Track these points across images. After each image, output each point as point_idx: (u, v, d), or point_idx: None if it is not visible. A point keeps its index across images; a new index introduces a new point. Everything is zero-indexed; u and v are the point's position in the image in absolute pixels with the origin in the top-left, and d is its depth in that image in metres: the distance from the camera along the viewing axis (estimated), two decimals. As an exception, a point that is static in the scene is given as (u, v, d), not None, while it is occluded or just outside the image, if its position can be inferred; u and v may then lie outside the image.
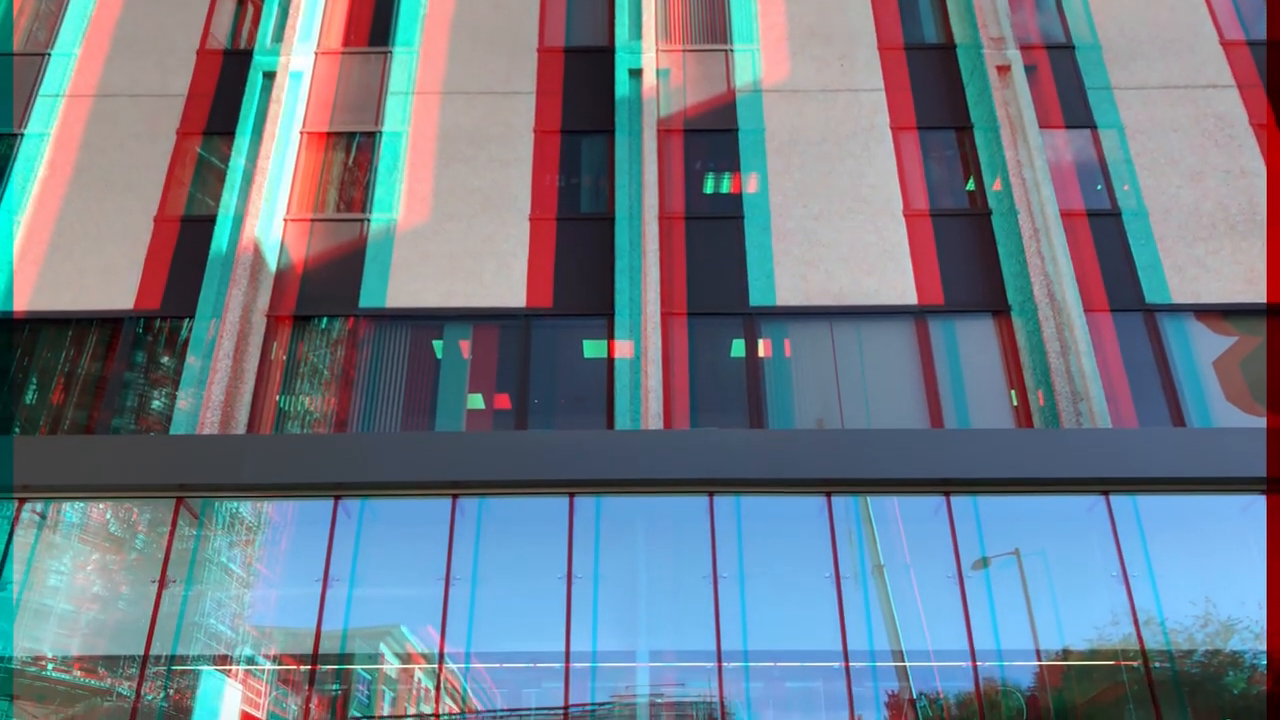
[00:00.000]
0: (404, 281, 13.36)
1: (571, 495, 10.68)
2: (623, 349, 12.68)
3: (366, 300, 13.23)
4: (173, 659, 10.01)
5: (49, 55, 15.58)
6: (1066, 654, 10.09)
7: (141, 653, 9.93)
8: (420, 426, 12.37)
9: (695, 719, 9.88)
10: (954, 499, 10.61)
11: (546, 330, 13.04)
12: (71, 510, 10.81)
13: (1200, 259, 13.21)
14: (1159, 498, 10.56)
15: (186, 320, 13.09)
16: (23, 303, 13.16)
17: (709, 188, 14.27)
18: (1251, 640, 9.90)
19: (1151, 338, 12.75)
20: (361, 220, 13.92)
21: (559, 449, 10.68)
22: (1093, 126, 14.52)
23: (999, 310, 13.09)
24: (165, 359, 12.85)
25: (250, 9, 16.23)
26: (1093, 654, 10.03)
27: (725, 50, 15.46)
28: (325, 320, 13.17)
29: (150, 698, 9.77)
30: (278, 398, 12.64)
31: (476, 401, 12.61)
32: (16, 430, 12.34)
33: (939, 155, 14.49)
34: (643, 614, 10.34)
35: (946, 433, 10.82)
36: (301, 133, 14.79)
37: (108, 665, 9.99)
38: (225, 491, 10.73)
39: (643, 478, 10.54)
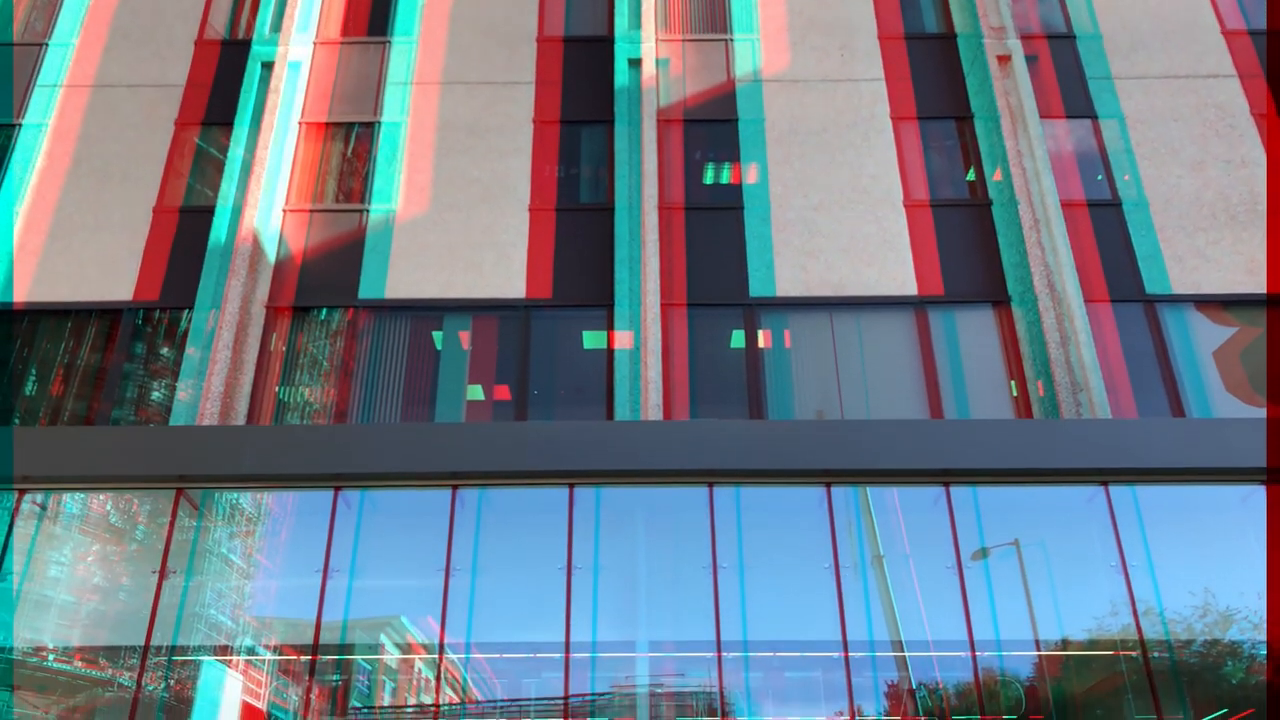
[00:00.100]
0: (403, 272, 13.34)
1: (571, 486, 10.69)
2: (622, 340, 12.67)
3: (366, 291, 13.21)
4: (173, 649, 10.03)
5: (46, 45, 15.53)
6: (1065, 644, 10.11)
7: (142, 643, 9.95)
8: (420, 417, 12.37)
9: (695, 709, 9.90)
10: (953, 489, 10.62)
11: (546, 321, 13.03)
12: (72, 501, 10.82)
13: (1201, 249, 13.19)
14: (1158, 488, 10.57)
15: (185, 311, 13.08)
16: (21, 294, 13.15)
17: (709, 178, 14.24)
18: (1250, 630, 9.92)
19: (1151, 328, 12.74)
20: (360, 211, 13.90)
21: (559, 440, 10.68)
22: (1093, 116, 14.49)
23: (999, 301, 13.08)
24: (164, 350, 12.85)
25: (248, -1, 16.18)
26: (1092, 644, 10.05)
27: (725, 40, 15.42)
28: (324, 311, 13.15)
29: (151, 688, 9.79)
30: (277, 389, 12.64)
31: (476, 392, 12.60)
32: (16, 421, 12.34)
33: (939, 145, 14.46)
34: (642, 604, 10.35)
35: (946, 423, 10.82)
36: (300, 123, 14.75)
37: (109, 656, 10.01)
38: (225, 482, 10.74)
39: (642, 468, 10.55)
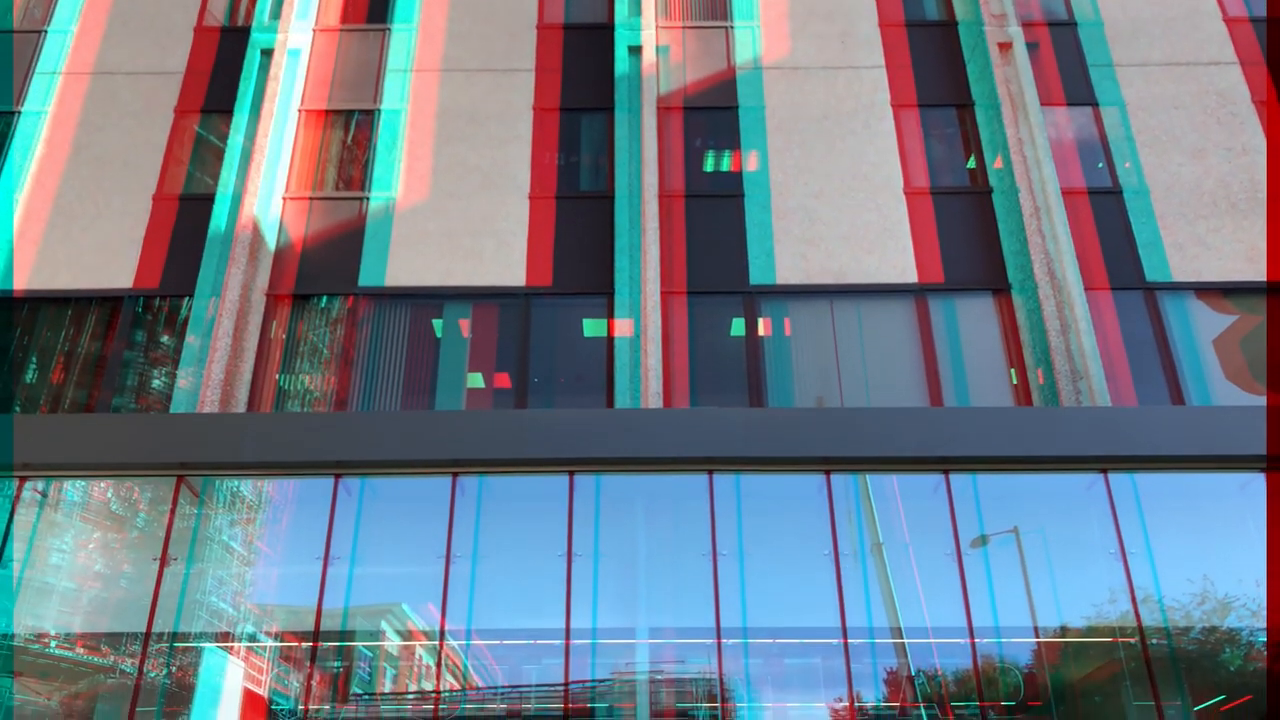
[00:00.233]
0: (403, 260, 13.33)
1: (571, 473, 10.71)
2: (622, 328, 12.67)
3: (366, 279, 13.21)
4: (175, 636, 10.06)
5: (46, 32, 15.49)
6: (1064, 631, 10.14)
7: (144, 630, 9.98)
8: (420, 405, 12.38)
9: (695, 695, 9.94)
10: (953, 477, 10.64)
11: (546, 309, 13.03)
12: (73, 489, 10.84)
13: (1201, 237, 13.18)
14: (1158, 475, 10.59)
15: (186, 299, 13.08)
16: (21, 281, 13.15)
17: (709, 166, 14.22)
18: (1248, 617, 9.94)
19: (1152, 316, 12.74)
20: (360, 199, 13.89)
21: (559, 427, 10.69)
22: (1094, 104, 14.46)
23: (999, 288, 13.07)
24: (165, 338, 12.85)
25: (247, -15, 16.13)
26: (1090, 631, 10.08)
27: (725, 27, 15.38)
28: (325, 299, 13.15)
29: (153, 675, 9.83)
30: (278, 376, 12.65)
31: (476, 380, 12.61)
32: (17, 409, 12.35)
33: (940, 133, 14.43)
34: (642, 591, 10.38)
35: (946, 411, 10.83)
36: (300, 110, 14.72)
37: (110, 642, 10.05)
38: (226, 470, 10.76)
39: (642, 456, 10.56)
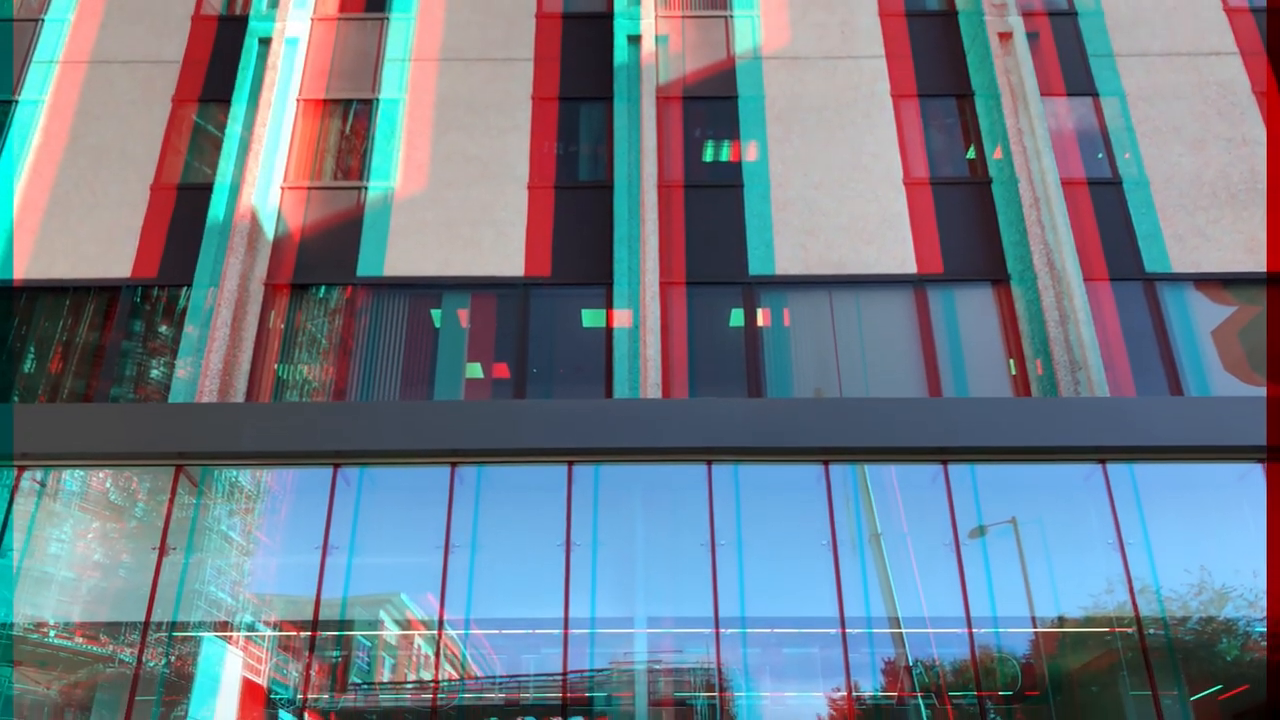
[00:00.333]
0: (402, 250, 13.32)
1: (570, 463, 10.71)
2: (621, 318, 12.66)
3: (364, 269, 13.19)
4: (174, 625, 10.08)
5: (43, 20, 15.44)
6: (1062, 621, 10.16)
7: (142, 619, 9.99)
8: (418, 395, 12.38)
9: (693, 684, 9.96)
10: (951, 467, 10.64)
11: (545, 299, 13.01)
12: (71, 478, 10.84)
13: (1201, 228, 13.17)
14: (1156, 466, 10.59)
15: (184, 289, 13.06)
16: (19, 271, 13.13)
17: (708, 156, 14.20)
18: (1245, 608, 9.96)
19: (1151, 307, 12.73)
20: (359, 188, 13.86)
21: (557, 418, 10.69)
22: (1094, 94, 14.43)
23: (998, 279, 13.06)
24: (163, 328, 12.84)
25: (245, -26, 16.08)
26: (1088, 621, 10.10)
27: (725, 16, 15.33)
28: (323, 289, 13.14)
29: (152, 664, 9.85)
30: (276, 366, 12.64)
31: (475, 370, 12.61)
32: (15, 398, 12.34)
33: (939, 123, 14.40)
34: (641, 581, 10.40)
35: (944, 401, 10.83)
36: (298, 100, 14.68)
37: (109, 632, 10.06)
38: (224, 460, 10.75)
39: (641, 446, 10.56)
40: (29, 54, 15.10)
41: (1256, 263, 12.87)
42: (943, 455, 10.65)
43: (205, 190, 13.82)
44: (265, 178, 13.62)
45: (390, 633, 10.50)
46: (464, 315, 12.94)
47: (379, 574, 10.48)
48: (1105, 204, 13.49)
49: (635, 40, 14.93)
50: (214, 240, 13.23)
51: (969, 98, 14.58)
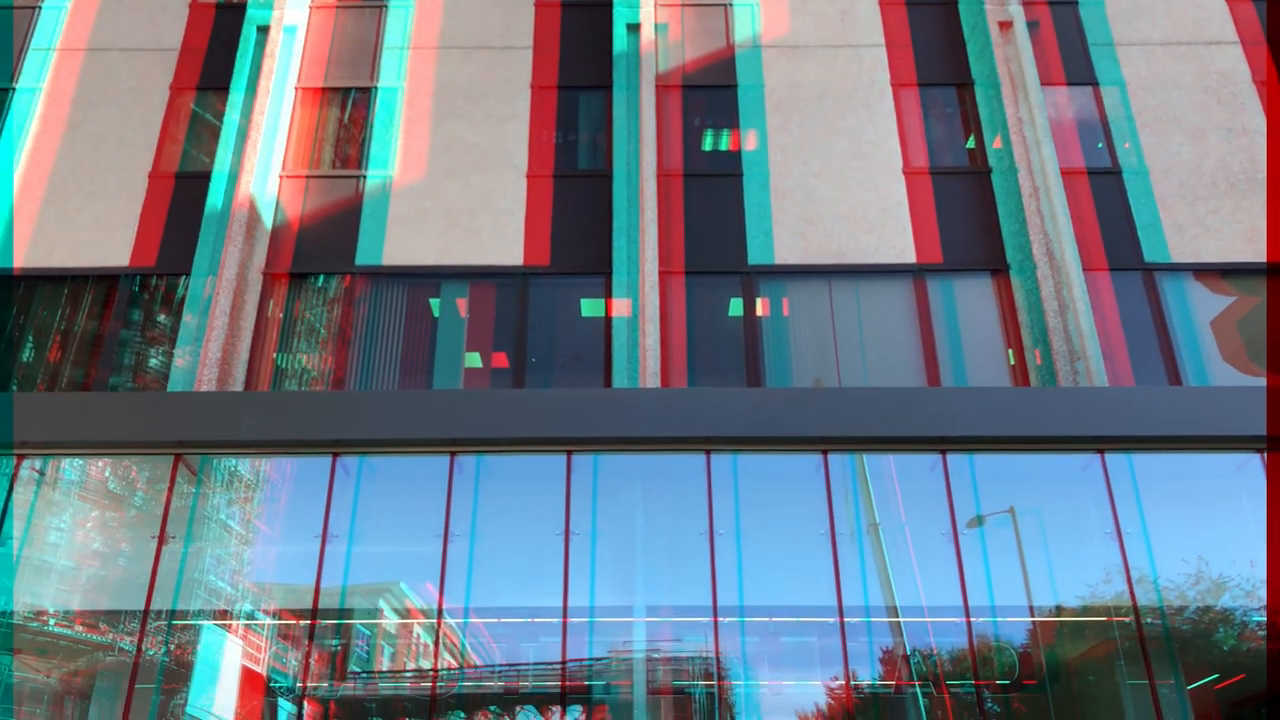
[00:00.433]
0: (400, 239, 13.30)
1: (569, 453, 10.72)
2: (620, 307, 12.66)
3: (363, 258, 13.18)
4: (173, 614, 10.09)
5: (40, 8, 15.37)
6: (1060, 610, 10.19)
7: (142, 608, 10.00)
8: (417, 385, 12.38)
9: (691, 673, 9.99)
10: (950, 457, 10.65)
11: (544, 288, 13.00)
12: (70, 467, 10.84)
13: (1200, 218, 13.16)
14: (1154, 456, 10.60)
15: (182, 277, 13.04)
16: (18, 259, 13.10)
17: (708, 145, 14.17)
18: (1242, 597, 9.99)
19: (1150, 297, 12.73)
20: (357, 177, 13.83)
21: (556, 407, 10.69)
22: (1094, 83, 14.39)
23: (997, 269, 13.06)
24: (162, 316, 12.82)
25: (243, -39, 16.01)
26: (1086, 610, 10.12)
27: (724, 4, 15.28)
28: (322, 278, 13.12)
29: (152, 652, 9.87)
30: (275, 355, 12.63)
31: (474, 360, 12.60)
32: (14, 387, 12.34)
33: (939, 112, 14.37)
34: (640, 570, 10.41)
35: (943, 391, 10.83)
36: (296, 88, 14.64)
37: (109, 620, 10.08)
38: (223, 449, 10.75)
39: (640, 435, 10.56)
40: (27, 41, 15.04)
41: (1256, 253, 12.86)
42: (941, 445, 10.66)
43: (203, 179, 13.79)
44: (263, 166, 13.59)
45: (389, 621, 10.52)
46: (463, 304, 12.93)
47: (378, 563, 10.49)
48: (1105, 194, 13.48)
49: (634, 28, 14.88)
50: (212, 229, 13.20)
51: (969, 87, 14.55)
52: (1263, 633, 9.89)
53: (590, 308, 12.92)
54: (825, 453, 10.72)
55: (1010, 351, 12.53)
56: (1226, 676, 9.81)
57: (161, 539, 10.32)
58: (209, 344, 12.01)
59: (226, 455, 10.86)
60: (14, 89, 14.56)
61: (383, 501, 10.71)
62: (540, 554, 10.30)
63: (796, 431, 10.55)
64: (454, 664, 10.12)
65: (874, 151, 13.85)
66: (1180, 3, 15.00)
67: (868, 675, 9.91)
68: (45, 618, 10.16)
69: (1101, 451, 10.60)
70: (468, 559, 10.30)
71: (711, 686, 9.83)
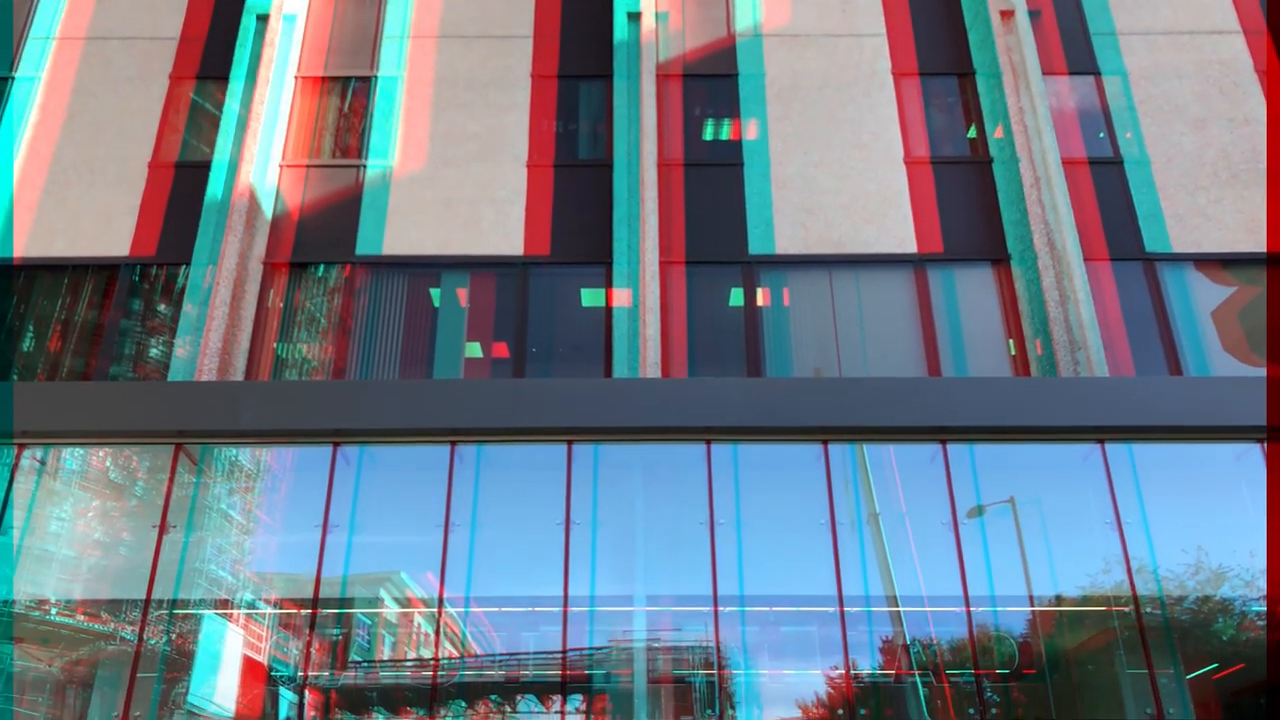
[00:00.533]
0: (400, 229, 13.28)
1: (570, 443, 10.72)
2: (621, 297, 12.65)
3: (363, 247, 13.16)
4: (174, 603, 10.11)
5: (38, -3, 15.33)
6: (1059, 600, 10.21)
7: (143, 597, 10.02)
8: (418, 374, 12.38)
9: (691, 663, 10.01)
10: (950, 447, 10.66)
11: (544, 278, 12.99)
12: (71, 457, 10.85)
13: (1202, 208, 13.14)
14: (1154, 446, 10.60)
15: (182, 267, 13.03)
16: (17, 249, 13.09)
17: (708, 134, 14.14)
18: (1241, 587, 10.00)
19: (1151, 287, 12.72)
20: (357, 166, 13.81)
21: (557, 397, 10.69)
22: (1096, 73, 14.36)
23: (998, 259, 13.04)
24: (162, 306, 12.82)
25: (242, -50, 15.94)
26: (1085, 600, 10.14)
27: (725, -7, 15.23)
28: (322, 268, 13.11)
29: (153, 641, 9.89)
30: (275, 345, 12.63)
31: (474, 350, 12.60)
32: (15, 376, 12.34)
33: (940, 102, 14.34)
34: (640, 559, 10.43)
35: (943, 381, 10.83)
36: (296, 77, 14.60)
37: (110, 609, 10.10)
38: (224, 438, 10.76)
39: (640, 425, 10.57)
40: (26, 29, 15.00)
41: (1257, 243, 12.85)
42: (941, 435, 10.66)
43: (203, 168, 13.77)
44: (263, 155, 13.57)
45: (390, 611, 10.54)
46: (463, 294, 12.92)
47: (379, 552, 10.51)
48: (1106, 184, 13.45)
49: (635, 17, 14.84)
50: (212, 218, 13.19)
51: (970, 76, 14.51)
52: (1262, 622, 9.91)
53: (591, 297, 12.91)
54: (825, 442, 10.72)
55: (1011, 341, 12.53)
56: (1226, 666, 9.84)
57: (163, 528, 10.33)
58: (209, 334, 12.01)
59: (227, 445, 10.87)
60: (13, 78, 14.53)
61: (383, 491, 10.72)
62: (541, 543, 10.32)
63: (797, 421, 10.55)
64: (455, 653, 10.14)
65: (875, 141, 13.82)
66: (1183, -8, 14.96)
67: (868, 664, 9.93)
68: (47, 607, 10.19)
69: (1102, 441, 10.60)
70: (468, 548, 10.32)
71: (712, 675, 9.86)
